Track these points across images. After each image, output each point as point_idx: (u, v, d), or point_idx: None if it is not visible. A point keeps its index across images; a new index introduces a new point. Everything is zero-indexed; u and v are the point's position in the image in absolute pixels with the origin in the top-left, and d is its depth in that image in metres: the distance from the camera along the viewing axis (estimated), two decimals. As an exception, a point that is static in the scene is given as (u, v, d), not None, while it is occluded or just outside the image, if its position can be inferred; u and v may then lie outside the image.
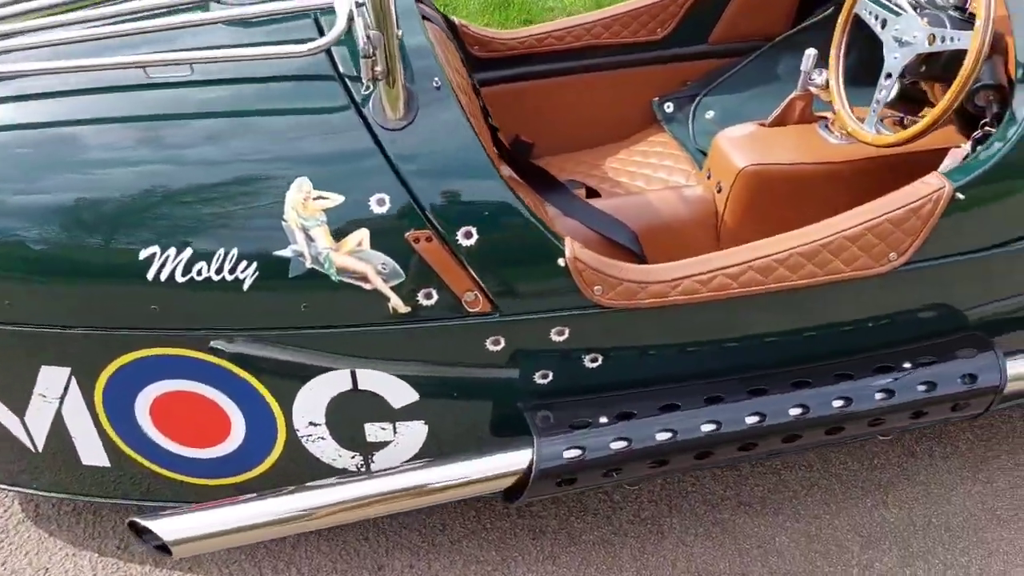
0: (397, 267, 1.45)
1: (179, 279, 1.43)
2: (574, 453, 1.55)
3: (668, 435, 1.57)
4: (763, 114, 2.43)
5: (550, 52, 2.41)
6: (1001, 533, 1.93)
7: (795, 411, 1.61)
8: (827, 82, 2.00)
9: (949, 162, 1.72)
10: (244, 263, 1.42)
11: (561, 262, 1.48)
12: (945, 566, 1.87)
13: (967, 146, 1.69)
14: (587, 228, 2.02)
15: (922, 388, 1.65)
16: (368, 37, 1.35)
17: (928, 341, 1.71)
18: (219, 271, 1.43)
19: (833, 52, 1.90)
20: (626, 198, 2.13)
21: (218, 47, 1.44)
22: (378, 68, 1.38)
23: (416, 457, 1.68)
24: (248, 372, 1.55)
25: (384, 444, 1.66)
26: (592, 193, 2.26)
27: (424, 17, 1.66)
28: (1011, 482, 2.03)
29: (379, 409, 1.61)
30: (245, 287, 1.44)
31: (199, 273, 1.43)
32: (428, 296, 1.48)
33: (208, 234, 1.42)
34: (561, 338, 1.56)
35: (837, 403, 1.62)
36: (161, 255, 1.42)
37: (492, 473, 1.57)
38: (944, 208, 1.56)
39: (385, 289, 1.46)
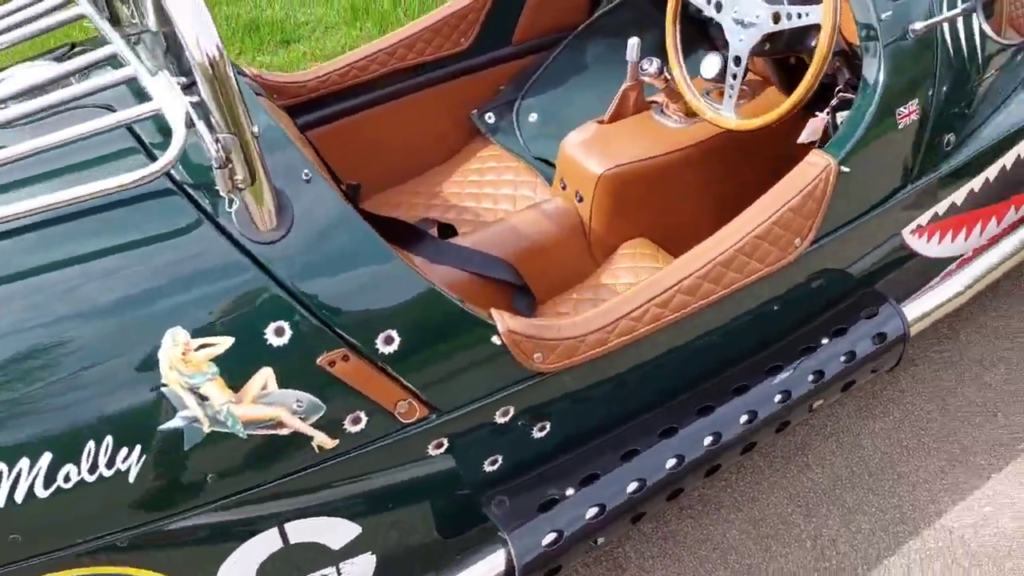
0: (315, 400, 1.22)
1: (41, 494, 1.11)
2: (552, 537, 1.40)
3: (637, 484, 1.47)
4: (584, 106, 2.38)
5: (355, 85, 2.19)
6: (914, 463, 2.03)
7: (744, 418, 1.57)
8: (660, 69, 1.96)
9: (808, 132, 1.73)
10: (124, 451, 1.13)
11: (495, 340, 1.32)
12: (881, 512, 1.94)
13: (824, 115, 1.71)
14: (462, 272, 1.86)
15: (843, 359, 1.67)
16: (219, 142, 1.09)
17: (833, 307, 1.74)
18: (93, 469, 1.12)
19: (670, 42, 1.85)
20: (489, 229, 1.98)
21: (20, 185, 1.11)
22: (238, 176, 1.12)
23: (368, 590, 1.45)
24: (153, 570, 1.25)
25: (329, 590, 1.42)
26: (445, 228, 2.09)
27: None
28: (903, 410, 2.14)
29: (318, 557, 1.37)
30: (132, 478, 1.14)
31: (67, 479, 1.11)
32: (356, 421, 1.26)
33: (67, 428, 1.11)
34: (506, 418, 1.40)
35: (778, 398, 1.60)
36: (10, 472, 1.09)
37: (470, 588, 1.39)
38: (834, 185, 1.56)
39: (305, 428, 1.23)
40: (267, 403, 1.18)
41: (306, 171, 1.22)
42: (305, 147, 1.64)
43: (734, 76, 1.73)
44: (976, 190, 1.88)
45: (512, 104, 2.42)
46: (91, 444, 1.11)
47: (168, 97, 1.12)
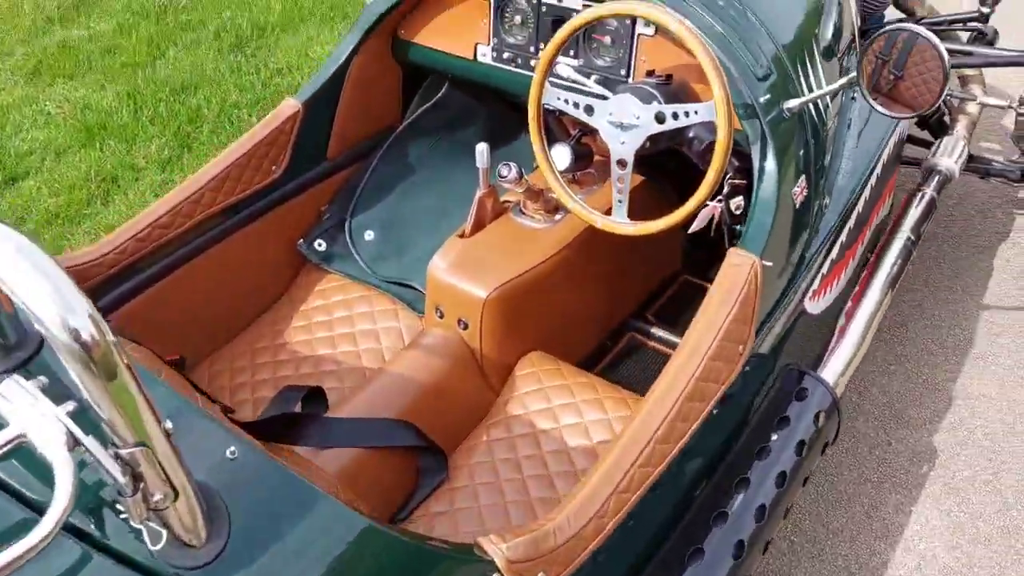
0: None
1: None
2: None
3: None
4: (422, 213, 2.18)
5: (162, 245, 1.82)
6: (840, 515, 2.02)
7: (734, 551, 1.44)
8: (520, 175, 1.81)
9: (699, 220, 1.65)
10: None
11: (497, 578, 1.07)
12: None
13: (715, 204, 1.63)
14: (356, 449, 1.59)
15: (794, 451, 1.59)
16: (120, 460, 0.76)
17: (763, 392, 1.67)
18: None
19: (540, 153, 1.68)
20: (372, 385, 1.71)
21: None
22: (156, 496, 0.79)
23: None
24: None
25: None
26: (313, 394, 1.77)
27: None
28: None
29: None
30: None
31: None
32: None
33: None
34: (514, 656, 1.15)
35: (755, 515, 1.49)
36: None
37: None
38: (761, 281, 1.48)
39: None
40: None
41: (231, 448, 0.90)
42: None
43: (620, 180, 1.60)
44: (844, 241, 1.90)
45: (342, 225, 2.15)
46: None
47: (31, 415, 0.76)
